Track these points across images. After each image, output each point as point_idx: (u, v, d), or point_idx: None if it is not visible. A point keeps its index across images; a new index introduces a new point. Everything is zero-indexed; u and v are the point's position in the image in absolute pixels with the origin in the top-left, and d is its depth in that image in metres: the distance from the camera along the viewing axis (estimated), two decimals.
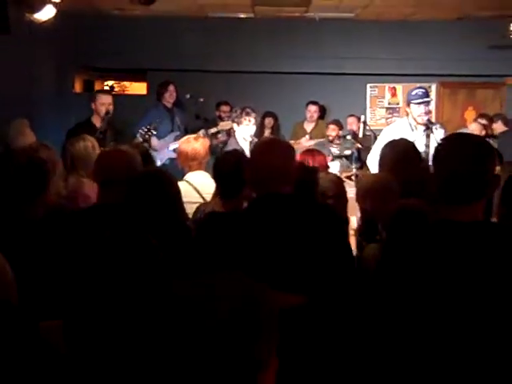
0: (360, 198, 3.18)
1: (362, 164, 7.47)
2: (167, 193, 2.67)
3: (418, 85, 6.14)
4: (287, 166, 2.29)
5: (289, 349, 1.99)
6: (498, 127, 7.65)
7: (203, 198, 3.74)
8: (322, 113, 8.61)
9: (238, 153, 3.48)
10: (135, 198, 2.61)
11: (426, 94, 5.15)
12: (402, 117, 8.50)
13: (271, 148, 2.33)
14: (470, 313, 1.85)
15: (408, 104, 5.19)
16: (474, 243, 1.88)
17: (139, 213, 2.55)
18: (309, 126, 8.33)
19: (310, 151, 4.08)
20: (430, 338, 1.88)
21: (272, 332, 1.12)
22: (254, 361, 1.07)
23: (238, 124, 5.40)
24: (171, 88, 7.17)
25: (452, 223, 1.92)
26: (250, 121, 5.32)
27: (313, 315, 2.14)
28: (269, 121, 8.38)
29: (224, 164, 3.12)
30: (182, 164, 4.13)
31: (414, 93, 5.14)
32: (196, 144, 4.07)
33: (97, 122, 5.54)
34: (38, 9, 5.86)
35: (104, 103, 5.54)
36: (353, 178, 6.75)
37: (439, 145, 2.11)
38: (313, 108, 8.25)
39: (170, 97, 7.18)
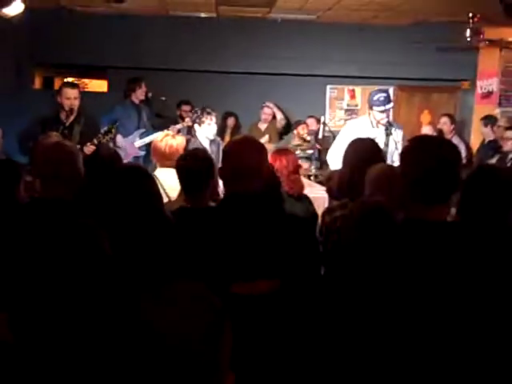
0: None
1: (322, 164, 7.62)
2: (147, 187, 2.72)
3: (377, 87, 6.28)
4: (260, 164, 2.35)
5: (263, 332, 2.06)
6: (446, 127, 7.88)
7: (167, 194, 3.72)
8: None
9: (202, 150, 3.52)
10: (116, 193, 2.64)
11: (388, 100, 5.16)
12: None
13: (245, 147, 2.39)
14: (444, 312, 1.87)
15: (370, 107, 5.21)
16: (449, 242, 1.92)
17: (121, 206, 2.58)
18: (263, 126, 8.52)
19: (280, 151, 4.16)
20: (403, 329, 1.89)
21: (228, 349, 1.16)
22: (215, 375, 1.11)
23: (200, 124, 5.46)
24: (143, 84, 7.17)
25: (425, 223, 1.94)
26: (211, 120, 5.39)
27: (284, 300, 2.18)
28: (231, 121, 8.53)
29: (189, 161, 3.14)
30: (155, 159, 4.12)
31: (375, 98, 5.14)
32: (174, 142, 4.06)
33: (63, 115, 5.44)
34: (6, 4, 5.72)
35: (69, 97, 5.41)
36: (312, 178, 6.87)
37: (407, 146, 2.12)
38: (267, 111, 8.49)
39: (141, 94, 7.16)
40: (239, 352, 2.05)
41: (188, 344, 1.09)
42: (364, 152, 3.37)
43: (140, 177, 2.80)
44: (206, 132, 5.46)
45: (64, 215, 2.56)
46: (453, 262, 1.90)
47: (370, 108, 5.23)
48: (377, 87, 8.90)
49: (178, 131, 6.67)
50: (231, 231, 2.26)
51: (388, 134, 5.13)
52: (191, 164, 3.04)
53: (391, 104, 5.25)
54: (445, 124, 7.91)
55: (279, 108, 8.56)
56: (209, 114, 5.42)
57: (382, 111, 5.13)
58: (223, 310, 1.16)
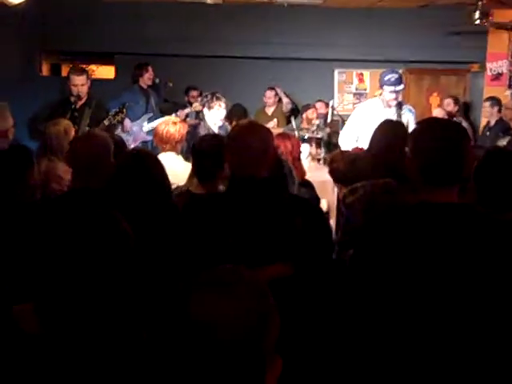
0: None
1: (330, 148, 7.60)
2: (155, 172, 2.73)
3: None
4: (266, 148, 2.34)
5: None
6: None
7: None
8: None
9: (217, 136, 3.53)
10: (123, 179, 2.65)
11: (399, 81, 5.12)
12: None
13: (250, 131, 2.38)
14: (454, 295, 1.86)
15: (381, 86, 5.18)
16: (459, 224, 1.91)
17: (126, 194, 2.59)
18: (270, 110, 8.45)
19: (283, 135, 4.15)
20: (413, 319, 1.89)
21: (276, 332, 1.14)
22: (262, 363, 1.10)
23: (209, 109, 5.45)
24: (150, 69, 7.20)
25: (437, 205, 1.93)
26: (220, 105, 5.38)
27: (298, 285, 2.19)
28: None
29: (202, 146, 3.16)
30: (156, 144, 4.20)
31: (387, 78, 5.11)
32: (172, 128, 4.12)
33: (72, 100, 5.48)
34: None
35: (76, 84, 5.44)
36: (321, 161, 6.86)
37: (418, 128, 2.11)
38: (268, 94, 8.40)
39: (148, 78, 7.19)
40: None
41: (240, 330, 1.08)
42: (393, 135, 3.34)
43: (148, 161, 2.81)
44: (215, 117, 5.46)
45: (93, 205, 2.59)
46: (466, 244, 1.89)
47: (381, 87, 5.20)
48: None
49: (187, 116, 6.69)
50: (237, 217, 2.26)
51: (400, 115, 5.11)
52: (205, 146, 3.05)
53: (402, 86, 5.20)
54: (448, 105, 7.88)
55: (285, 93, 8.51)
56: (218, 98, 5.40)
57: (393, 91, 5.09)
58: (268, 292, 1.15)
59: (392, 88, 5.07)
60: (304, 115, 7.97)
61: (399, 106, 5.18)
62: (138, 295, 1.60)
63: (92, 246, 1.45)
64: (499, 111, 7.49)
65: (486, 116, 7.78)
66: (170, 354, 1.11)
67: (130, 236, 1.54)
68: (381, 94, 5.27)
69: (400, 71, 9.02)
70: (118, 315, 1.44)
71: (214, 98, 5.38)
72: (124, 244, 1.51)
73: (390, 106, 5.16)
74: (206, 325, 1.06)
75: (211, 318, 1.07)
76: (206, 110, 5.51)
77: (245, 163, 2.33)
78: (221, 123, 5.68)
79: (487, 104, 7.66)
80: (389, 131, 3.44)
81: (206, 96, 5.54)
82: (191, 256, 2.26)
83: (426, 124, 2.10)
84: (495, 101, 7.63)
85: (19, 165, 2.96)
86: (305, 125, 7.63)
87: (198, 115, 6.08)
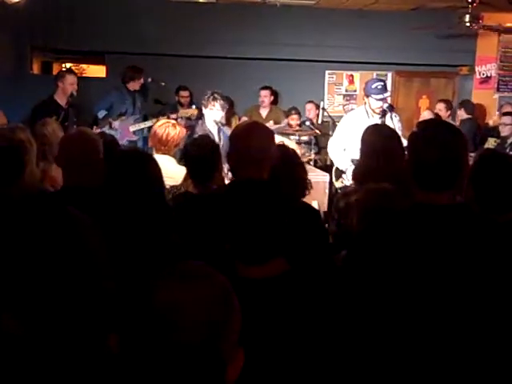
0: None
1: (320, 149, 7.65)
2: (150, 172, 2.74)
3: (375, 73, 6.33)
4: (267, 148, 2.38)
5: (274, 315, 2.08)
6: (461, 114, 7.96)
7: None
8: (275, 98, 8.71)
9: (207, 138, 3.55)
10: (116, 178, 2.66)
11: (385, 89, 5.24)
12: (359, 104, 8.75)
13: (251, 132, 2.42)
14: (452, 295, 1.87)
15: (367, 96, 5.28)
16: (456, 225, 1.92)
17: (120, 193, 2.60)
18: (264, 112, 8.44)
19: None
20: (411, 320, 1.90)
21: (237, 325, 1.17)
22: (222, 359, 1.13)
23: (205, 107, 5.45)
24: (142, 77, 7.29)
25: (435, 207, 1.94)
26: (214, 105, 5.36)
27: (295, 282, 2.21)
28: None
29: (193, 151, 3.18)
30: (152, 144, 4.21)
31: (373, 86, 5.20)
32: (172, 130, 4.14)
33: (61, 100, 5.61)
34: None
35: (72, 83, 5.67)
36: (311, 163, 6.90)
37: (415, 132, 2.10)
38: (263, 93, 8.34)
39: (137, 84, 7.28)
40: (251, 335, 2.08)
41: (201, 319, 1.12)
42: (380, 138, 3.38)
43: (142, 160, 2.81)
44: (209, 116, 5.44)
45: (85, 203, 2.59)
46: (464, 245, 1.90)
47: (367, 96, 5.29)
48: (375, 72, 9.01)
49: (175, 119, 6.69)
50: (236, 217, 2.28)
51: (383, 122, 5.16)
52: (196, 151, 3.07)
53: (388, 93, 5.35)
54: (440, 111, 7.95)
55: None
56: (214, 99, 5.38)
57: (380, 99, 5.19)
58: (229, 286, 1.19)
59: (380, 96, 5.17)
60: (286, 121, 8.00)
61: (383, 114, 5.26)
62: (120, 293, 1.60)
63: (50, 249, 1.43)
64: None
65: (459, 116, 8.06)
66: (131, 346, 1.14)
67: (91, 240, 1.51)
68: (365, 104, 5.37)
69: (389, 74, 9.17)
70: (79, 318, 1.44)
71: (211, 98, 5.37)
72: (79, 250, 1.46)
73: (374, 115, 5.25)
74: (168, 313, 1.10)
75: (173, 306, 1.10)
76: (203, 109, 5.50)
77: (245, 164, 2.35)
78: (214, 124, 5.59)
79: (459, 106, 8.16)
80: (375, 134, 3.48)
81: (206, 94, 5.51)
82: (186, 254, 2.28)
83: (424, 128, 2.09)
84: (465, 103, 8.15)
85: (10, 167, 2.85)
86: (289, 130, 7.60)
87: (200, 114, 6.04)
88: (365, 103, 5.39)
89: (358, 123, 5.03)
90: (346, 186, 4.92)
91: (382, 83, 5.29)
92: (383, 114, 5.26)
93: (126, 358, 1.14)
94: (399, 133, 4.98)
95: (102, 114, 6.98)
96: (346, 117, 5.85)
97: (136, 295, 1.16)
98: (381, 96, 5.17)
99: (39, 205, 1.94)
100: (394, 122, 5.21)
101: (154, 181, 2.77)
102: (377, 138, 3.42)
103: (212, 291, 1.15)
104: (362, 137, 3.49)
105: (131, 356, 1.13)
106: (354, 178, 4.01)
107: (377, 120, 5.21)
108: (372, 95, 5.20)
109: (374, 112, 5.24)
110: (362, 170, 3.42)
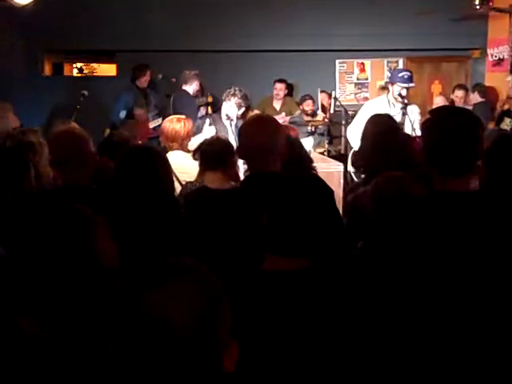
0: None
1: (332, 139, 7.62)
2: (158, 167, 2.76)
3: (386, 60, 6.34)
4: (275, 141, 2.37)
5: (292, 309, 2.09)
6: (474, 98, 7.89)
7: (177, 177, 3.81)
8: (290, 90, 8.68)
9: (219, 139, 3.57)
10: (126, 174, 2.68)
11: (411, 79, 5.51)
12: (371, 92, 8.74)
13: (259, 125, 2.42)
14: (473, 284, 1.87)
15: (392, 83, 5.52)
16: (475, 213, 1.92)
17: (126, 190, 2.62)
18: (277, 104, 8.39)
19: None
20: (430, 308, 1.90)
21: (228, 317, 1.20)
22: (217, 347, 1.15)
23: (224, 100, 5.45)
24: (148, 72, 7.34)
25: (456, 194, 1.94)
26: (229, 100, 5.35)
27: (314, 278, 2.21)
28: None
29: (208, 151, 3.24)
30: (163, 142, 4.23)
31: (400, 75, 5.48)
32: (177, 125, 4.16)
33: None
34: None
35: None
36: (325, 153, 6.88)
37: (430, 118, 2.10)
38: (279, 86, 8.27)
39: (145, 81, 7.33)
40: (268, 329, 2.09)
41: (190, 315, 1.14)
42: (380, 126, 3.44)
43: (148, 158, 2.81)
44: (224, 110, 5.43)
45: (82, 201, 2.59)
46: (483, 232, 1.90)
47: (392, 84, 5.54)
48: (386, 59, 8.96)
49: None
50: (253, 211, 2.29)
51: (404, 114, 5.40)
52: (209, 147, 3.12)
53: (413, 84, 5.63)
54: (457, 97, 7.86)
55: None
56: (233, 95, 5.35)
57: (405, 88, 5.43)
58: (217, 281, 1.21)
59: (405, 85, 5.43)
60: (300, 107, 7.99)
61: (404, 105, 5.45)
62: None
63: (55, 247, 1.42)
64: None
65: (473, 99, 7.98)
66: (124, 346, 1.15)
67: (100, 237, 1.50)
68: (387, 93, 5.60)
69: (401, 60, 9.11)
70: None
71: (230, 93, 5.36)
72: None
73: (395, 104, 5.46)
74: (158, 315, 1.11)
75: (159, 306, 1.12)
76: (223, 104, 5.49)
77: (254, 157, 2.37)
78: (226, 118, 5.55)
79: (472, 89, 8.01)
80: (377, 123, 3.54)
81: (230, 87, 5.49)
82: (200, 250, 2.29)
83: (439, 114, 2.09)
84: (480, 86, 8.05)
85: (14, 170, 2.87)
86: (305, 117, 7.61)
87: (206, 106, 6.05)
88: (388, 92, 5.63)
89: (378, 112, 5.09)
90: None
91: (409, 73, 5.56)
92: (405, 105, 5.45)
93: (121, 357, 1.15)
94: (416, 126, 5.20)
95: (123, 113, 7.07)
96: (368, 104, 5.99)
97: (124, 298, 1.17)
98: (406, 85, 5.41)
99: (48, 203, 1.95)
100: (414, 113, 5.44)
101: (162, 178, 2.78)
102: (371, 127, 3.52)
103: (197, 286, 1.16)
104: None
105: (126, 355, 1.15)
106: (352, 164, 4.17)
107: (398, 110, 5.41)
108: (398, 83, 5.43)
109: (396, 100, 5.45)
110: (358, 156, 3.57)
